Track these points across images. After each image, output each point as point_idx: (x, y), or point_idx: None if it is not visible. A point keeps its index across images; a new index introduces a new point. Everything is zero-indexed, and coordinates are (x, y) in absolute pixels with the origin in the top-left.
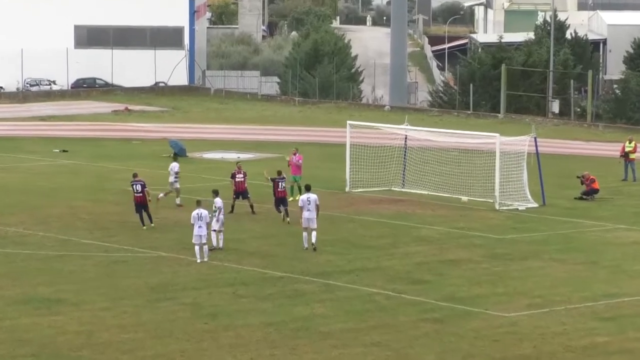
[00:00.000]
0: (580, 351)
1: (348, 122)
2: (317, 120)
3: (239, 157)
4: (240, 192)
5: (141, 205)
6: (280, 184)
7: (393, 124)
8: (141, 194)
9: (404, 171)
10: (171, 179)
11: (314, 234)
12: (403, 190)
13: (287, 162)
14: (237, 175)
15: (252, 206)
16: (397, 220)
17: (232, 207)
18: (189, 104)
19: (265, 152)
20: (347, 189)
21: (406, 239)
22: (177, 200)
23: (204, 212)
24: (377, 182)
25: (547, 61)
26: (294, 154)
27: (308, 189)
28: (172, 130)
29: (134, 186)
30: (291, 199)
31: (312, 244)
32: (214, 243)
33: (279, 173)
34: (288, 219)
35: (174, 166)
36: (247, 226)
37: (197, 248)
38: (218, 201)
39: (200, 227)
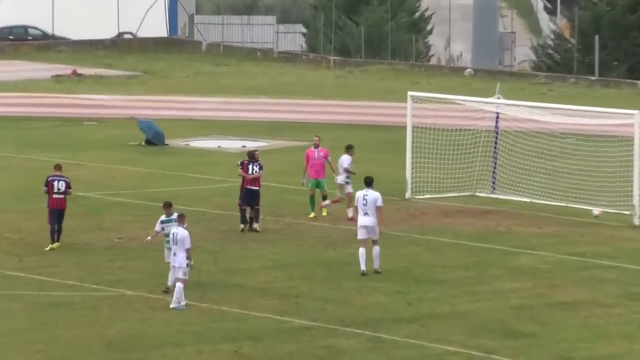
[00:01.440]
0: None
1: (409, 93)
2: (362, 90)
3: (244, 146)
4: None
5: (59, 212)
6: (251, 167)
7: (478, 97)
8: (62, 196)
9: (494, 168)
10: (340, 179)
11: (376, 250)
12: (493, 196)
13: (305, 164)
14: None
15: (252, 219)
16: (484, 241)
17: (244, 219)
18: (169, 66)
19: (284, 139)
20: (407, 195)
21: (497, 271)
22: (350, 213)
23: (180, 232)
24: (453, 184)
25: None
26: (315, 146)
27: (368, 183)
28: (144, 106)
29: (56, 183)
30: (312, 215)
31: (376, 271)
32: (169, 281)
33: (252, 155)
34: (257, 225)
35: (344, 160)
36: (255, 250)
37: (173, 283)
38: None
39: (175, 255)
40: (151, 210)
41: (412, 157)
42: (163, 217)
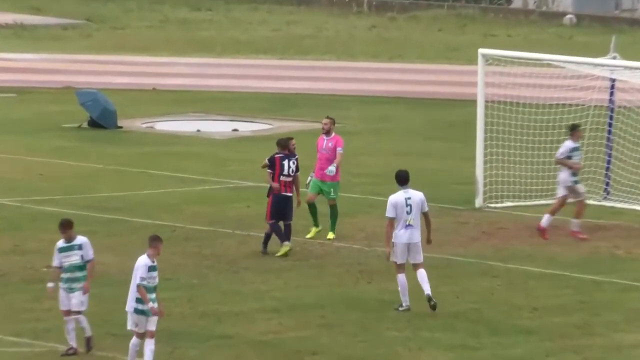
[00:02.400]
0: None
1: (481, 51)
2: (409, 47)
3: (235, 130)
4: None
5: None
6: (287, 164)
7: (583, 56)
8: None
9: (607, 163)
10: (564, 177)
11: (421, 274)
12: (605, 204)
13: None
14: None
15: (282, 235)
16: (592, 272)
17: (267, 239)
18: (124, 11)
19: (295, 119)
20: (478, 202)
21: (613, 315)
22: (575, 226)
23: (143, 262)
24: (545, 186)
25: None
26: (325, 132)
27: (405, 180)
28: (87, 70)
29: None
30: (309, 234)
31: (429, 298)
32: (71, 341)
33: (284, 145)
34: (288, 244)
35: (566, 148)
36: (252, 283)
37: (134, 343)
38: (84, 242)
39: (136, 297)
40: (97, 225)
41: (485, 147)
42: (60, 244)
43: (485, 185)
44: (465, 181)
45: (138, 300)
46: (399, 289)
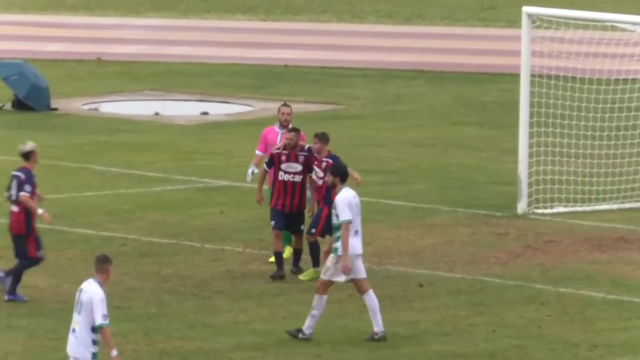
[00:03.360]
0: None
1: (525, 9)
2: (431, 3)
3: (205, 113)
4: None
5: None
6: (314, 170)
7: None
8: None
9: None
10: None
11: (370, 299)
12: None
13: (257, 153)
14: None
15: (298, 252)
16: None
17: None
18: None
19: (281, 99)
20: (521, 207)
21: None
22: None
23: (89, 291)
24: (609, 186)
25: None
26: (282, 124)
27: (345, 175)
28: (11, 34)
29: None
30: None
31: (376, 334)
32: None
33: (327, 141)
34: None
35: None
36: (228, 313)
37: None
38: None
39: (73, 331)
40: None
41: (531, 135)
42: None
43: (530, 185)
44: (504, 180)
45: (95, 343)
46: (317, 312)
